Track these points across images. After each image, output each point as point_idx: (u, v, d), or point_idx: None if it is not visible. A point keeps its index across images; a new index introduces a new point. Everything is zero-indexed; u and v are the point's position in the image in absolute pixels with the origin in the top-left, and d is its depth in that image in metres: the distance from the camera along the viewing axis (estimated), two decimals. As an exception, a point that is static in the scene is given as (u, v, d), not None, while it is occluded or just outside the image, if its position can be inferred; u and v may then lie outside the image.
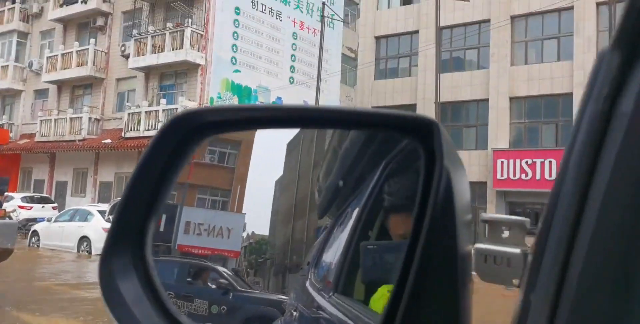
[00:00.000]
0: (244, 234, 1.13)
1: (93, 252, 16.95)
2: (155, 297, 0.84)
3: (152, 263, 0.87)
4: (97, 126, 26.88)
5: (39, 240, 19.21)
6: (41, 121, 28.11)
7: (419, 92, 25.91)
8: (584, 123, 0.53)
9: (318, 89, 24.45)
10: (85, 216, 18.23)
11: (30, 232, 19.74)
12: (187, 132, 0.87)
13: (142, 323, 0.80)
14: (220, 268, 1.18)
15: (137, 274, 0.84)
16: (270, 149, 1.08)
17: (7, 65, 30.60)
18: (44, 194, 26.81)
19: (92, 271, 12.72)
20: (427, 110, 25.08)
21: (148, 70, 25.18)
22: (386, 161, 1.04)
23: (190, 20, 23.72)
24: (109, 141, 24.92)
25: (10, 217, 19.54)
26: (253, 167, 1.12)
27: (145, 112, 23.98)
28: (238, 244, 1.14)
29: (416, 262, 0.63)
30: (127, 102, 25.93)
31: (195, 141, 0.91)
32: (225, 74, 23.91)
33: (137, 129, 24.03)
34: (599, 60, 0.54)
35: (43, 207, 23.78)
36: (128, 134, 24.34)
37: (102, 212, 17.88)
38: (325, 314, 1.11)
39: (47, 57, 28.38)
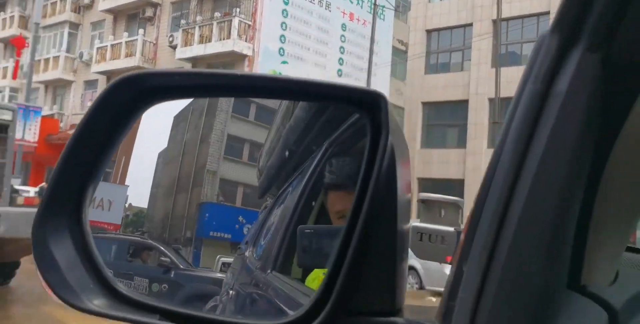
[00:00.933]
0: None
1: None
2: (91, 263, 0.82)
3: (89, 228, 0.83)
4: (144, 117, 26.96)
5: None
6: (90, 111, 28.34)
7: (472, 87, 24.94)
8: (522, 102, 0.56)
9: (369, 83, 23.75)
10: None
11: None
12: (131, 97, 0.83)
13: (75, 290, 0.77)
14: (162, 246, 1.19)
15: (73, 239, 0.81)
16: (159, 120, 1.06)
17: (59, 56, 30.99)
18: (90, 184, 27.04)
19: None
20: (479, 105, 24.17)
21: (195, 61, 24.97)
22: (329, 141, 1.06)
23: (238, 9, 23.38)
24: (154, 131, 24.90)
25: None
26: (140, 139, 1.06)
27: (192, 103, 23.84)
28: (119, 217, 1.13)
29: (356, 237, 0.63)
30: (174, 93, 25.85)
31: (140, 107, 0.86)
32: (273, 66, 23.42)
33: (183, 120, 23.94)
34: (539, 43, 0.57)
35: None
36: (174, 125, 24.27)
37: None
38: (262, 292, 1.14)
39: (97, 48, 28.58)
